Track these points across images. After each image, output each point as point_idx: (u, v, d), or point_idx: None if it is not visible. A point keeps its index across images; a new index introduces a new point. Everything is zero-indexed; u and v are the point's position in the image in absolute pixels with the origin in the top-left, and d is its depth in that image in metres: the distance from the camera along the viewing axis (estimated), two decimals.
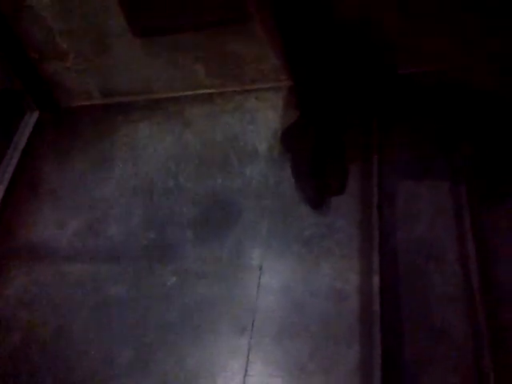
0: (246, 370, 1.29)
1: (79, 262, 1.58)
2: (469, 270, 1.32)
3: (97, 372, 1.37)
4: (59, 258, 1.60)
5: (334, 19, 1.35)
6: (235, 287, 1.42)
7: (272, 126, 1.74)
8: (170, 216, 1.62)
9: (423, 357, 1.23)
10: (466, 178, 1.44)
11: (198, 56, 1.79)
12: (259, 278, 1.42)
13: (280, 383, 1.26)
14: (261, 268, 1.44)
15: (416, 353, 1.24)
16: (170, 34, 1.74)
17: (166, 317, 1.41)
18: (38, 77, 1.94)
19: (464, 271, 1.32)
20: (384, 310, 1.28)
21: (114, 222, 1.64)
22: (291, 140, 1.61)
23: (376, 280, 1.31)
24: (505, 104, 1.55)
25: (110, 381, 1.35)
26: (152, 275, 1.50)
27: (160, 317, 1.42)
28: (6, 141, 1.93)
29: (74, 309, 1.49)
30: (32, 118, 1.99)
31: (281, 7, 1.28)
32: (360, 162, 1.56)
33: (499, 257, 1.32)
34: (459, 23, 1.51)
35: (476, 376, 1.19)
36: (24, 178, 1.84)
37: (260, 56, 1.76)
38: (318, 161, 1.50)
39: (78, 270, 1.56)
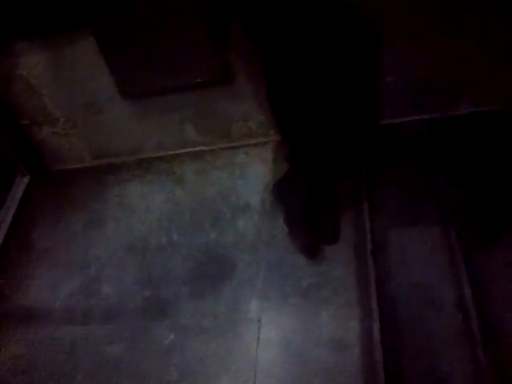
0: None
1: (74, 323, 1.54)
2: (467, 313, 1.32)
3: None
4: (54, 320, 1.57)
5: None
6: (234, 342, 1.40)
7: (262, 180, 1.77)
8: (164, 273, 1.61)
9: None
10: (456, 221, 1.47)
11: (187, 115, 1.84)
12: (258, 332, 1.40)
13: None
14: (259, 321, 1.42)
15: None
16: (158, 96, 1.79)
17: (165, 376, 1.38)
18: (29, 142, 1.97)
19: (462, 315, 1.33)
20: (386, 357, 1.27)
21: (108, 282, 1.63)
22: (283, 192, 1.63)
23: (376, 327, 1.30)
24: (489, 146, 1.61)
25: None
26: (149, 333, 1.47)
27: (159, 377, 1.38)
28: None
29: (69, 374, 1.44)
30: (23, 182, 1.99)
31: (269, 63, 1.33)
32: (352, 210, 1.58)
33: (495, 297, 1.33)
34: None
35: None
36: (16, 240, 1.83)
37: (247, 113, 1.81)
38: (310, 211, 1.52)
39: (73, 332, 1.52)
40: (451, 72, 1.57)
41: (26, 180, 2.00)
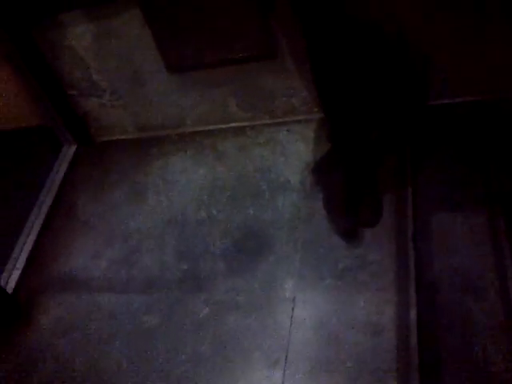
0: None
1: (113, 292, 1.59)
2: (509, 302, 1.28)
3: None
4: (93, 288, 1.62)
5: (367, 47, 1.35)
6: (268, 319, 1.41)
7: (304, 159, 1.74)
8: (202, 247, 1.62)
9: None
10: (504, 208, 1.41)
11: (230, 90, 1.83)
12: (292, 311, 1.40)
13: None
14: (294, 300, 1.42)
15: None
16: (203, 70, 1.78)
17: (198, 348, 1.40)
18: (76, 112, 2.00)
19: (504, 304, 1.28)
20: (422, 344, 1.25)
21: (148, 254, 1.66)
22: (323, 172, 1.61)
23: (413, 314, 1.28)
24: None
25: None
26: (185, 306, 1.49)
27: (192, 348, 1.41)
28: (44, 174, 1.98)
29: (108, 339, 1.49)
30: (69, 152, 2.04)
31: (314, 42, 1.30)
32: (394, 193, 1.54)
33: None
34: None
35: None
36: (60, 210, 1.89)
37: (290, 89, 1.78)
38: (350, 193, 1.49)
39: (112, 300, 1.57)
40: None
41: (72, 149, 2.05)
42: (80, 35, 1.76)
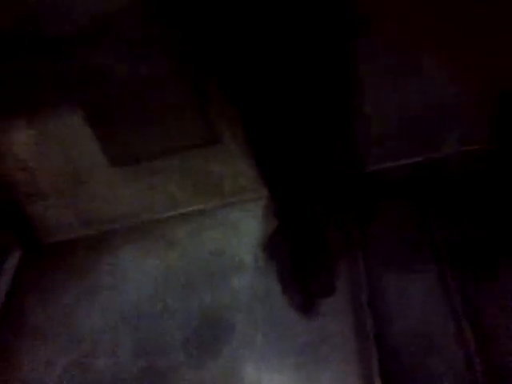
0: None
1: None
2: (470, 356, 1.27)
3: None
4: None
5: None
6: None
7: (256, 236, 1.75)
8: (160, 341, 1.56)
9: None
10: (451, 261, 1.44)
11: (177, 177, 1.85)
12: None
13: None
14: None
15: None
16: (147, 161, 1.80)
17: None
18: (21, 216, 1.97)
19: (465, 360, 1.28)
20: None
21: (103, 355, 1.58)
22: (275, 248, 1.62)
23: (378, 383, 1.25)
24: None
25: None
26: None
27: None
28: None
29: None
30: (15, 258, 1.98)
31: (250, 128, 1.35)
32: (345, 259, 1.56)
33: (497, 336, 1.29)
34: None
35: None
36: (9, 318, 1.79)
37: (237, 171, 1.81)
38: (302, 265, 1.50)
39: None
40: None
41: (17, 255, 1.99)
42: (20, 140, 1.76)
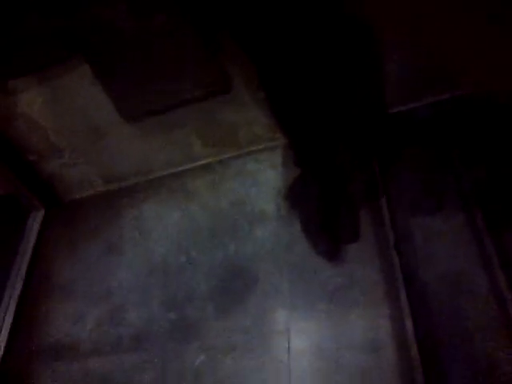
0: None
1: (103, 354, 1.53)
2: (502, 297, 1.27)
3: None
4: (82, 353, 1.56)
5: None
6: (265, 355, 1.37)
7: (275, 185, 1.73)
8: (188, 293, 1.58)
9: None
10: (481, 203, 1.41)
11: (192, 129, 1.83)
12: (288, 342, 1.37)
13: None
14: (289, 331, 1.39)
15: None
16: (161, 114, 1.77)
17: None
18: (39, 176, 1.97)
19: (497, 300, 1.27)
20: (423, 353, 1.23)
21: (134, 308, 1.61)
22: (297, 196, 1.60)
23: (409, 324, 1.27)
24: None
25: None
26: (179, 357, 1.45)
27: None
28: (16, 242, 1.93)
29: None
30: (38, 216, 2.00)
31: (265, 71, 1.31)
32: (369, 205, 1.54)
33: None
34: None
35: None
36: (37, 276, 1.83)
37: (251, 119, 1.78)
38: (326, 212, 1.48)
39: (103, 363, 1.51)
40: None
41: (41, 214, 2.00)
42: (32, 100, 1.74)
